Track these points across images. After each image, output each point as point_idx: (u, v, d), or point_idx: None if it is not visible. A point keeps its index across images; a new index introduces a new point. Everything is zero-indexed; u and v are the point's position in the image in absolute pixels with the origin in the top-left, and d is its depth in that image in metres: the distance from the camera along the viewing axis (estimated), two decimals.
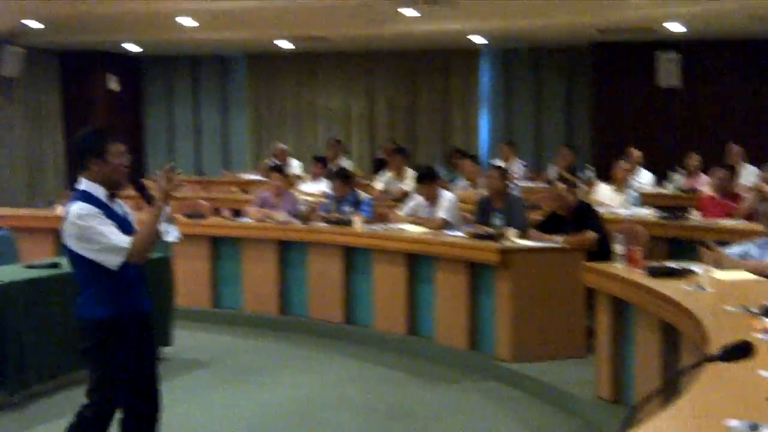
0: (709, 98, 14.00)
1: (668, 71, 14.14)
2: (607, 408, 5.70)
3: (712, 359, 2.43)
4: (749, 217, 8.08)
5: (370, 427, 5.79)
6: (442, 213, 8.28)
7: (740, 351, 2.48)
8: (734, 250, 6.08)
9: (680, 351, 4.89)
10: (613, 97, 14.63)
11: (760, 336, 3.87)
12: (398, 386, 6.76)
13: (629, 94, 14.52)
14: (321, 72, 16.75)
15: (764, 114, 13.60)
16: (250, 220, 9.06)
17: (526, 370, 6.62)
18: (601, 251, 6.84)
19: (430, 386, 6.75)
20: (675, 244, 8.14)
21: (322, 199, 9.75)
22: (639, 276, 5.49)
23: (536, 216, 8.10)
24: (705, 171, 11.53)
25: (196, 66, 17.34)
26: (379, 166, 12.82)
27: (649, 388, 5.15)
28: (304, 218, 8.87)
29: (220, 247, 9.10)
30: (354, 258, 8.35)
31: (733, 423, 2.65)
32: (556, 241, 7.20)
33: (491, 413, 6.08)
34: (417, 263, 7.81)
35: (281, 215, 8.90)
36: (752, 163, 11.15)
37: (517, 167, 12.64)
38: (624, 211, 8.98)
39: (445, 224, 8.17)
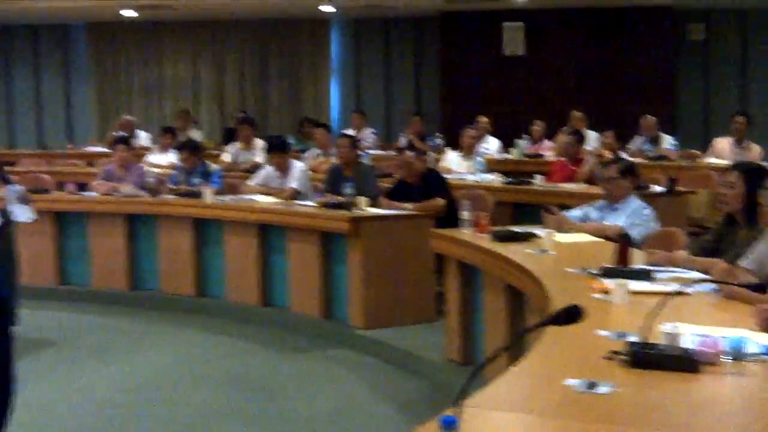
0: (552, 66, 14.38)
1: (513, 40, 14.45)
2: (457, 370, 5.84)
3: (544, 324, 2.52)
4: (590, 180, 8.37)
5: (225, 400, 5.77)
6: (292, 183, 8.27)
7: (571, 315, 2.58)
8: (575, 213, 6.30)
9: (525, 313, 5.05)
10: (460, 66, 14.85)
11: (598, 296, 4.03)
12: (253, 358, 6.75)
13: (476, 62, 14.77)
14: (168, 41, 16.39)
15: (604, 80, 14.07)
16: (96, 194, 8.82)
17: (378, 337, 6.71)
18: (450, 217, 6.99)
19: (285, 356, 6.77)
20: (520, 209, 8.35)
21: (171, 171, 9.58)
22: (484, 241, 5.63)
23: (387, 184, 8.18)
24: (549, 137, 11.88)
25: (36, 35, 16.70)
26: (228, 136, 12.68)
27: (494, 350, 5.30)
28: (152, 191, 8.71)
29: (65, 223, 8.84)
30: (205, 230, 8.26)
31: (572, 382, 2.76)
32: (406, 208, 7.31)
33: (345, 380, 6.15)
34: (269, 234, 7.79)
35: (128, 188, 8.71)
36: (592, 128, 11.55)
37: (367, 136, 12.72)
38: (471, 177, 9.16)
39: (296, 194, 8.17)
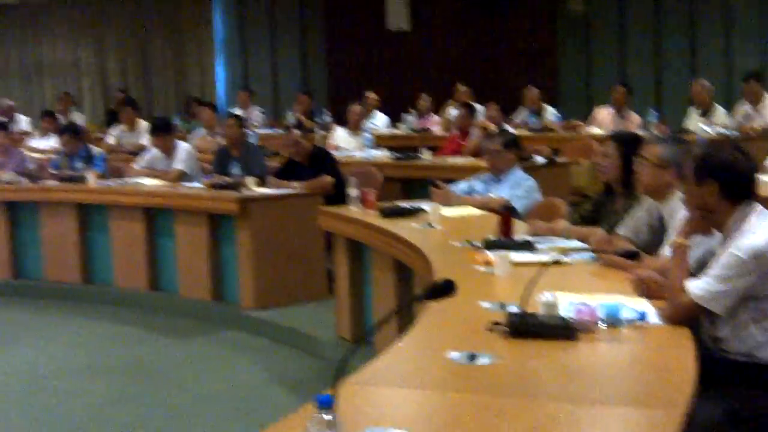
0: (437, 40, 14.47)
1: (397, 15, 14.48)
2: (348, 347, 5.86)
3: (417, 299, 2.55)
4: (476, 154, 8.47)
5: (117, 387, 5.68)
6: (178, 165, 8.14)
7: (443, 289, 2.62)
8: (460, 186, 6.37)
9: (413, 288, 5.10)
10: (347, 42, 14.82)
11: (481, 268, 4.09)
12: (142, 344, 6.65)
13: (362, 38, 14.76)
14: (46, 22, 15.94)
15: (488, 54, 14.22)
16: None
17: (269, 317, 6.68)
18: (339, 195, 6.97)
19: (175, 341, 6.69)
20: (409, 184, 8.40)
21: (52, 156, 9.34)
22: (372, 217, 5.65)
23: (275, 163, 8.13)
24: (435, 111, 11.98)
25: None
26: (112, 119, 12.41)
27: (387, 327, 5.34)
28: (33, 176, 8.48)
29: None
30: (89, 216, 8.07)
31: (454, 354, 2.81)
32: (294, 187, 7.28)
33: (236, 362, 6.11)
34: (156, 217, 7.66)
35: (7, 174, 8.46)
36: (478, 102, 11.66)
37: (255, 114, 12.60)
38: (360, 154, 9.17)
39: (183, 176, 8.04)
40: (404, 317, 5.23)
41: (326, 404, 2.00)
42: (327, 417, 1.99)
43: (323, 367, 5.76)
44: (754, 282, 3.06)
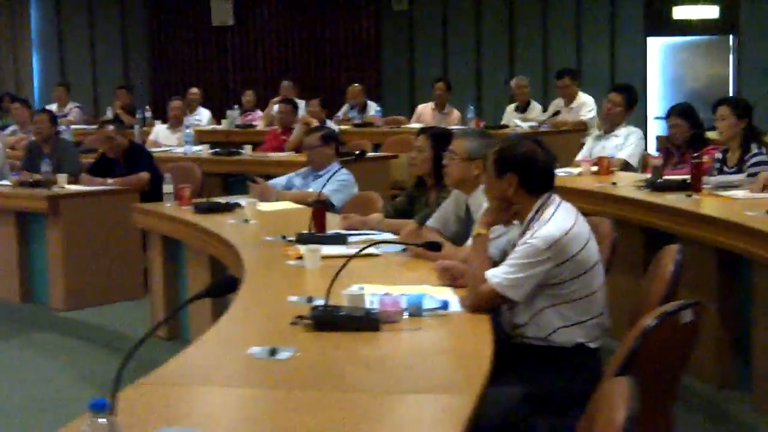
0: (261, 36, 14.37)
1: (221, 10, 14.30)
2: (163, 346, 5.71)
3: (199, 297, 2.50)
4: (298, 149, 8.43)
5: None
6: None
7: (225, 286, 2.59)
8: (279, 181, 6.34)
9: None
10: (170, 37, 14.54)
11: (292, 262, 4.07)
12: None
13: (186, 33, 14.52)
14: None
15: (312, 49, 14.22)
16: None
17: (81, 317, 6.48)
18: (156, 192, 6.81)
19: None
20: (231, 180, 8.31)
21: None
22: (186, 213, 5.56)
23: (91, 160, 7.87)
24: (261, 107, 11.88)
25: None
26: None
27: (202, 323, 5.24)
28: None
29: None
30: None
31: (254, 350, 2.76)
32: (108, 184, 7.08)
33: (45, 365, 5.86)
34: None
35: None
36: (302, 97, 11.64)
37: (72, 110, 12.18)
38: (180, 150, 9.00)
39: None
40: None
41: (100, 408, 1.93)
42: (102, 421, 1.92)
43: (136, 367, 5.58)
44: (551, 269, 3.15)
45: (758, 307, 4.33)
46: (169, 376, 2.60)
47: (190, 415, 2.37)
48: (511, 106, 10.16)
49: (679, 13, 12.50)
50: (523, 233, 3.25)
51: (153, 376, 2.52)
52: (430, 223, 4.25)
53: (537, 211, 3.25)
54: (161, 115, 11.24)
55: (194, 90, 11.73)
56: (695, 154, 5.49)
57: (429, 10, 14.00)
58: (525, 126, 9.24)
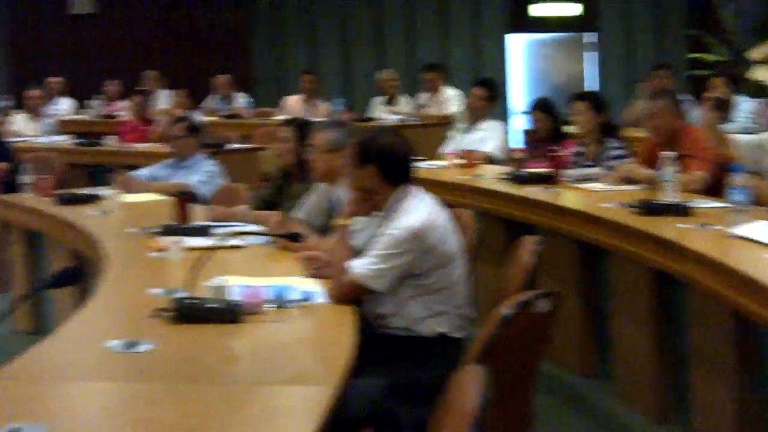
0: (125, 24, 14.05)
1: None
2: (27, 339, 5.52)
3: (41, 288, 2.45)
4: (163, 140, 8.30)
5: None
6: None
7: (70, 277, 2.54)
8: (143, 172, 6.24)
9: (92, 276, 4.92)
10: (29, 25, 14.08)
11: (155, 255, 4.00)
12: None
13: (46, 21, 14.08)
14: None
15: (178, 39, 13.99)
16: None
17: None
18: (15, 183, 6.63)
19: None
20: (94, 171, 8.13)
21: None
22: (47, 205, 5.43)
23: None
24: (125, 96, 11.63)
25: None
26: None
27: (68, 316, 5.13)
28: None
29: None
30: None
31: (112, 343, 2.71)
32: None
33: None
34: None
35: None
36: (169, 87, 11.46)
37: None
38: (40, 140, 8.76)
39: None
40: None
41: None
42: None
43: None
44: (413, 260, 3.19)
45: (617, 298, 4.46)
46: (22, 371, 2.52)
47: (42, 410, 2.29)
48: (379, 99, 10.23)
49: (539, 10, 12.77)
50: (384, 224, 3.28)
51: (4, 371, 2.44)
52: (296, 214, 4.25)
53: (396, 202, 3.28)
54: (21, 105, 10.91)
55: (55, 79, 11.41)
56: (552, 147, 5.65)
57: (298, 1, 13.96)
58: (393, 119, 9.32)
